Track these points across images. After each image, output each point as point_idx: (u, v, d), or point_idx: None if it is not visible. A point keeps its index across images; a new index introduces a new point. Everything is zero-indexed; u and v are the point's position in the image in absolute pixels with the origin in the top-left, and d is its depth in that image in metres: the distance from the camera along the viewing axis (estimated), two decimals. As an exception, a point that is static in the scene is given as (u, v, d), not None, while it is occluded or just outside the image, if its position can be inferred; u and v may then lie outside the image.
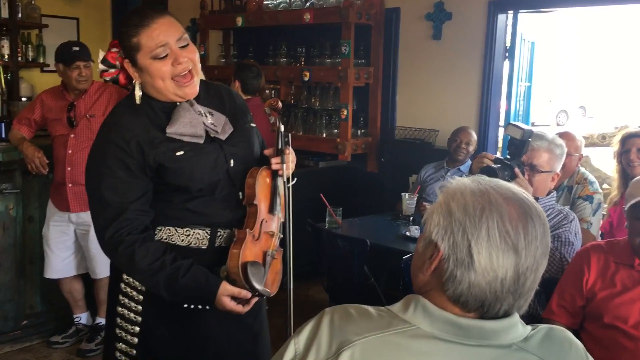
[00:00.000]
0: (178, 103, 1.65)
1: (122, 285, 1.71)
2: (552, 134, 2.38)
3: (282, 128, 1.77)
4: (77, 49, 3.14)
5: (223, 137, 1.69)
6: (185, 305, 1.66)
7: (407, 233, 3.26)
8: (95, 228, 1.64)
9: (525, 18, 4.20)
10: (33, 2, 5.53)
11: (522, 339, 0.98)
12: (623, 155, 3.04)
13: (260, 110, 3.40)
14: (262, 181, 1.72)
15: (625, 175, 3.07)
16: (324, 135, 4.63)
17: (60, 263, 3.27)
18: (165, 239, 1.67)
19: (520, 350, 0.96)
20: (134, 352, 1.71)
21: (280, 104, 1.86)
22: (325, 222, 3.45)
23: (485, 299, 0.95)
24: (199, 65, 1.66)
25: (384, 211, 4.05)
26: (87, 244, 3.22)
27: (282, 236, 1.82)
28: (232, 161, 1.70)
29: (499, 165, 2.10)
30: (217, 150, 1.68)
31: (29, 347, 3.37)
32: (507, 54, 4.08)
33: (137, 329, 1.70)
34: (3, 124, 3.60)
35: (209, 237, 1.69)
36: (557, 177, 2.29)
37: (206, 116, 1.67)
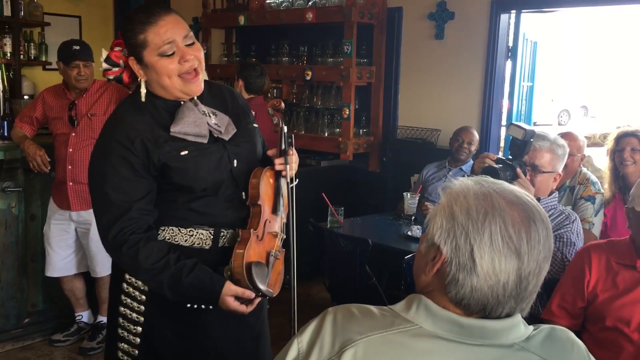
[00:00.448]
0: (182, 102, 1.66)
1: (125, 285, 1.70)
2: (554, 134, 2.38)
3: (285, 129, 1.77)
4: (77, 48, 3.13)
5: (226, 137, 1.69)
6: (189, 305, 1.66)
7: (409, 233, 3.26)
8: (99, 227, 1.64)
9: (528, 18, 4.20)
10: (35, 0, 5.53)
11: (524, 338, 0.98)
12: (616, 154, 3.03)
13: (263, 110, 3.39)
14: (265, 182, 1.72)
15: (617, 174, 3.06)
16: (326, 134, 4.63)
17: (61, 261, 3.27)
18: (169, 239, 1.67)
19: (522, 350, 0.97)
20: (136, 352, 1.71)
21: (283, 104, 1.85)
22: (327, 222, 3.45)
23: (487, 302, 0.95)
24: (204, 64, 1.67)
25: (385, 211, 4.05)
26: (87, 242, 3.22)
27: (285, 237, 1.82)
28: (235, 161, 1.70)
29: (500, 166, 2.10)
30: (220, 150, 1.68)
31: (31, 345, 3.38)
32: (509, 54, 4.08)
33: (140, 329, 1.70)
34: (5, 122, 3.60)
35: (212, 237, 1.69)
36: (559, 177, 2.28)
37: (210, 116, 1.67)
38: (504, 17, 3.98)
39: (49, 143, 3.22)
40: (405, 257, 2.69)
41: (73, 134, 3.13)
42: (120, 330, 1.73)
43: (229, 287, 1.61)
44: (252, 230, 1.67)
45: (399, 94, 4.51)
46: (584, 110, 15.94)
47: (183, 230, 1.67)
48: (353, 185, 4.66)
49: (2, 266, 3.30)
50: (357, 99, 4.50)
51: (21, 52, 5.48)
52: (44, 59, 5.70)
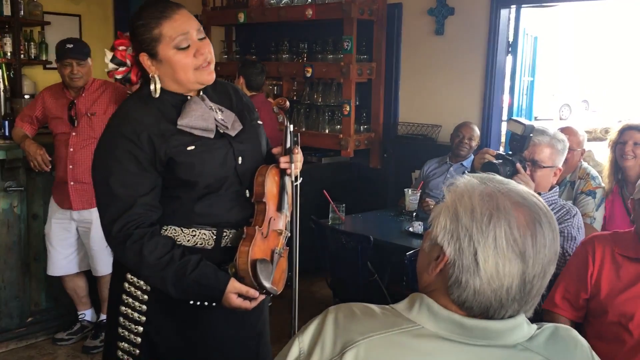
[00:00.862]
0: (189, 97, 1.66)
1: (126, 285, 1.70)
2: (554, 129, 2.38)
3: (290, 128, 1.77)
4: (71, 46, 3.10)
5: (233, 133, 1.69)
6: (191, 302, 1.65)
7: (410, 229, 3.26)
8: (102, 222, 1.62)
9: (528, 13, 4.19)
10: (35, -1, 5.54)
11: (527, 338, 0.97)
12: (618, 146, 3.02)
13: (265, 107, 3.41)
14: (271, 179, 1.72)
15: (617, 166, 3.06)
16: (327, 131, 4.63)
17: (62, 260, 3.28)
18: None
19: (526, 350, 0.95)
20: (137, 351, 1.70)
21: (287, 103, 1.85)
22: (329, 218, 3.46)
23: (490, 305, 0.94)
24: (214, 59, 1.67)
25: (387, 207, 4.06)
26: (88, 241, 3.22)
27: (289, 234, 1.82)
28: (240, 158, 1.70)
29: (500, 161, 2.10)
30: (226, 146, 1.68)
31: (34, 344, 3.39)
32: (509, 49, 4.07)
33: (141, 328, 1.69)
34: (6, 122, 3.60)
35: (214, 237, 1.68)
36: (559, 172, 2.28)
37: (216, 112, 1.68)
38: (504, 12, 3.98)
39: (50, 142, 3.22)
40: (407, 253, 2.69)
41: (73, 134, 3.13)
42: (120, 330, 1.72)
43: (234, 285, 1.61)
44: (257, 227, 1.66)
45: (399, 90, 4.51)
46: (585, 105, 15.92)
47: (185, 231, 1.67)
48: (354, 182, 4.66)
49: (5, 266, 3.30)
50: (357, 96, 4.50)
51: (21, 52, 5.48)
52: (44, 58, 5.70)
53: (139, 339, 1.70)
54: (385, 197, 4.45)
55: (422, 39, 4.32)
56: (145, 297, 1.68)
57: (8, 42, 5.36)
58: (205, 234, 1.68)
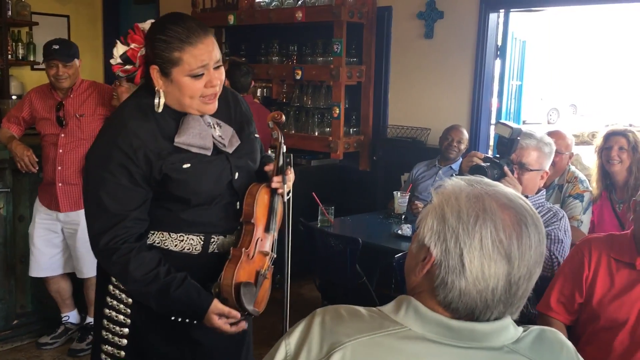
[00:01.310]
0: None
1: (111, 287, 1.69)
2: (541, 132, 2.39)
3: (284, 148, 1.75)
4: (57, 47, 3.06)
5: (230, 150, 1.67)
6: (173, 318, 1.64)
7: (399, 231, 3.27)
8: (90, 232, 1.61)
9: (517, 17, 4.22)
10: (23, -1, 5.50)
11: (513, 340, 0.97)
12: (604, 152, 3.05)
13: (253, 109, 3.39)
14: (261, 200, 1.71)
15: (604, 171, 3.08)
16: (316, 133, 4.63)
17: (47, 261, 3.22)
18: (158, 243, 1.65)
19: (512, 352, 0.96)
20: (122, 353, 1.69)
21: (283, 117, 1.83)
22: (318, 221, 3.46)
23: (476, 307, 0.94)
24: (222, 86, 1.64)
25: (376, 210, 4.06)
26: (74, 243, 3.18)
27: (275, 256, 1.81)
28: (237, 174, 1.69)
29: (488, 164, 2.11)
30: (223, 162, 1.66)
31: (20, 347, 3.35)
32: (498, 53, 4.09)
33: (127, 330, 1.69)
34: (-7, 123, 3.57)
35: (202, 243, 1.68)
36: (547, 175, 2.30)
37: (214, 128, 1.65)
38: (492, 16, 4.00)
39: (37, 144, 3.20)
40: (396, 256, 2.69)
41: (62, 135, 3.11)
42: (104, 332, 1.71)
43: (216, 306, 1.61)
44: (243, 249, 1.66)
45: (388, 93, 4.52)
46: (573, 109, 16.05)
47: (173, 235, 1.66)
48: (343, 185, 4.66)
49: (-10, 268, 3.27)
50: (347, 98, 4.51)
51: (9, 52, 5.45)
52: (32, 59, 5.66)
53: (125, 341, 1.69)
54: (375, 199, 4.45)
55: (412, 42, 4.34)
56: (130, 300, 1.67)
57: (-5, 42, 5.33)
58: (193, 240, 1.67)
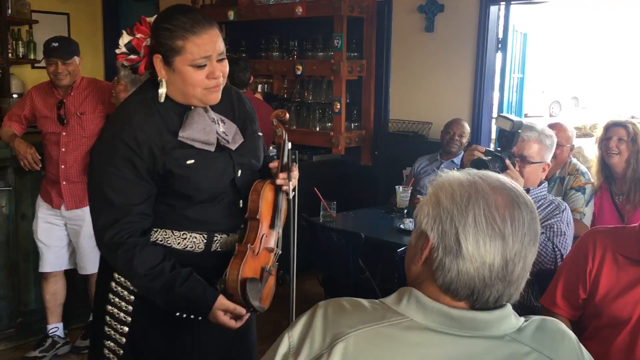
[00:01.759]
0: (192, 107, 1.63)
1: (113, 284, 1.69)
2: (542, 125, 2.39)
3: (289, 145, 1.75)
4: (56, 45, 3.04)
5: (233, 147, 1.67)
6: (177, 314, 1.64)
7: (401, 226, 3.27)
8: (95, 227, 1.60)
9: (518, 9, 4.20)
10: (23, -3, 5.49)
11: (515, 330, 0.98)
12: (603, 142, 3.04)
13: (254, 105, 3.39)
14: (265, 197, 1.71)
15: (604, 163, 3.07)
16: (318, 129, 4.62)
17: (54, 255, 3.20)
18: (161, 241, 1.65)
19: (514, 341, 0.97)
20: (122, 351, 1.70)
21: (287, 115, 1.83)
22: (320, 216, 3.45)
23: (475, 286, 0.96)
24: (225, 79, 1.64)
25: (378, 204, 4.06)
26: (78, 239, 3.18)
27: (280, 252, 1.81)
28: (239, 171, 1.69)
29: (489, 158, 2.11)
30: (226, 159, 1.66)
31: (24, 344, 3.36)
32: (499, 46, 4.08)
33: (127, 328, 1.69)
34: (-6, 121, 3.57)
35: (205, 241, 1.67)
36: (548, 167, 2.30)
37: (219, 124, 1.65)
38: (493, 8, 3.99)
39: (38, 142, 3.20)
40: (398, 250, 2.70)
41: (64, 134, 3.10)
42: (107, 328, 1.71)
43: (222, 302, 1.60)
44: (248, 245, 1.66)
45: (389, 88, 4.51)
46: (575, 101, 16.01)
47: (176, 233, 1.65)
48: (345, 180, 4.66)
49: (-6, 266, 3.28)
50: (348, 93, 4.50)
51: (9, 51, 5.44)
52: (32, 57, 5.66)
53: (124, 339, 1.69)
54: (377, 194, 4.45)
55: (412, 36, 4.33)
56: (132, 297, 1.67)
57: (-5, 41, 5.33)
58: (196, 238, 1.67)
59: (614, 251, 1.79)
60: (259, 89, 4.98)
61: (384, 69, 4.48)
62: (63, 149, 3.09)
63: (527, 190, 1.97)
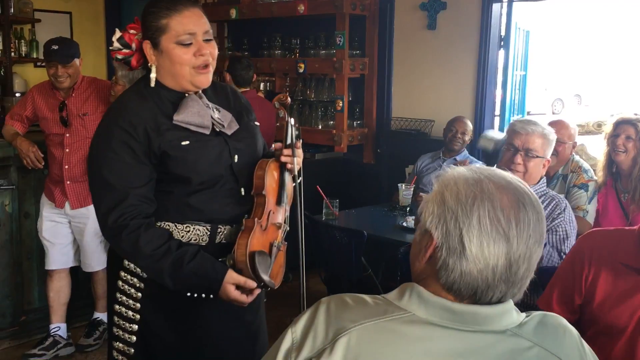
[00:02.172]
0: (187, 94, 1.66)
1: (120, 283, 1.69)
2: (542, 122, 2.39)
3: (292, 122, 1.77)
4: (56, 48, 3.03)
5: (229, 132, 1.69)
6: (188, 294, 1.63)
7: (404, 224, 3.26)
8: (98, 212, 1.62)
9: (520, 7, 4.19)
10: (25, -3, 5.50)
11: (516, 324, 0.98)
12: (611, 139, 3.03)
13: (258, 103, 3.40)
14: (270, 173, 1.72)
15: (611, 159, 3.06)
16: (320, 127, 4.62)
17: (59, 252, 3.21)
18: None
19: (515, 335, 0.97)
20: (132, 350, 1.69)
21: (289, 99, 1.86)
22: (322, 214, 3.45)
23: (477, 287, 0.96)
24: (215, 62, 1.67)
25: (380, 202, 4.05)
26: (82, 237, 3.19)
27: (288, 228, 1.81)
28: (236, 157, 1.70)
29: None
30: (222, 144, 1.68)
31: (28, 342, 3.36)
32: (502, 43, 4.07)
33: (136, 326, 1.68)
34: (-3, 120, 3.57)
35: (209, 233, 1.67)
36: (548, 163, 2.30)
37: (213, 111, 1.68)
38: (495, 6, 3.98)
39: (41, 140, 3.20)
40: (401, 248, 2.70)
41: (67, 135, 3.10)
42: (115, 329, 1.71)
43: (231, 275, 1.60)
44: (255, 219, 1.66)
45: (392, 85, 4.51)
46: (578, 99, 15.96)
47: (179, 227, 1.66)
48: (348, 177, 4.66)
49: (-3, 264, 3.29)
50: (350, 91, 4.50)
51: (12, 50, 5.44)
52: (35, 56, 5.67)
53: (134, 338, 1.69)
54: (379, 192, 4.45)
55: (415, 33, 4.32)
56: (139, 294, 1.67)
57: (-2, 40, 5.33)
58: (199, 230, 1.67)
59: (612, 258, 1.68)
60: (261, 87, 4.99)
61: (386, 66, 4.47)
62: (67, 150, 3.09)
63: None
